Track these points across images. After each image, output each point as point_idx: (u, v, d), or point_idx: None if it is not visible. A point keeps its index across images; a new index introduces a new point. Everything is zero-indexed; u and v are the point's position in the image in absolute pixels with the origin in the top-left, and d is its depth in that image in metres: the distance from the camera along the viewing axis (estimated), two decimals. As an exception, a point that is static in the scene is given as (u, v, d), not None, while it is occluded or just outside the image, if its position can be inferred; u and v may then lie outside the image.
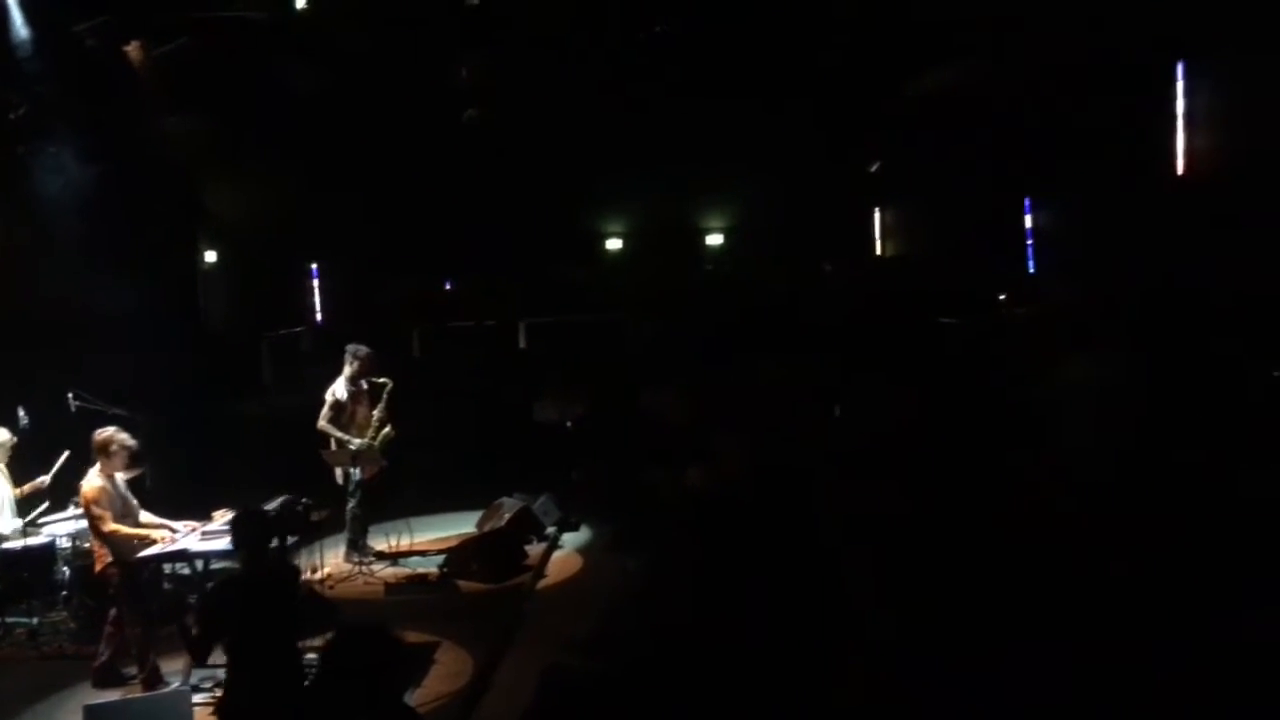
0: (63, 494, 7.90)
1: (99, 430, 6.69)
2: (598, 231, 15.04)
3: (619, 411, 11.24)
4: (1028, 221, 11.97)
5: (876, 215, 14.59)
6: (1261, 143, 9.19)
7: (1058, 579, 5.72)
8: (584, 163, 13.28)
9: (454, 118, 12.78)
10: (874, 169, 13.59)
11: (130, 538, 6.54)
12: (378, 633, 3.83)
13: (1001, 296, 10.35)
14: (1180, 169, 10.15)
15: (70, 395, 7.84)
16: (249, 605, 4.74)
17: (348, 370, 8.92)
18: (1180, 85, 10.14)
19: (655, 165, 13.37)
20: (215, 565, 6.89)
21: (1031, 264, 11.83)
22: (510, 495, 9.83)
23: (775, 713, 5.06)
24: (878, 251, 14.59)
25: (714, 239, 14.91)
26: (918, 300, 11.79)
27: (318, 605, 7.51)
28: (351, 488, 8.81)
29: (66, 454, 7.61)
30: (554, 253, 14.41)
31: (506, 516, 9.35)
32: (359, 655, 3.73)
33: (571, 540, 9.64)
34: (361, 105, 12.20)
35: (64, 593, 7.66)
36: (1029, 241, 11.93)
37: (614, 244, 15.07)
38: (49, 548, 7.65)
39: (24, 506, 7.86)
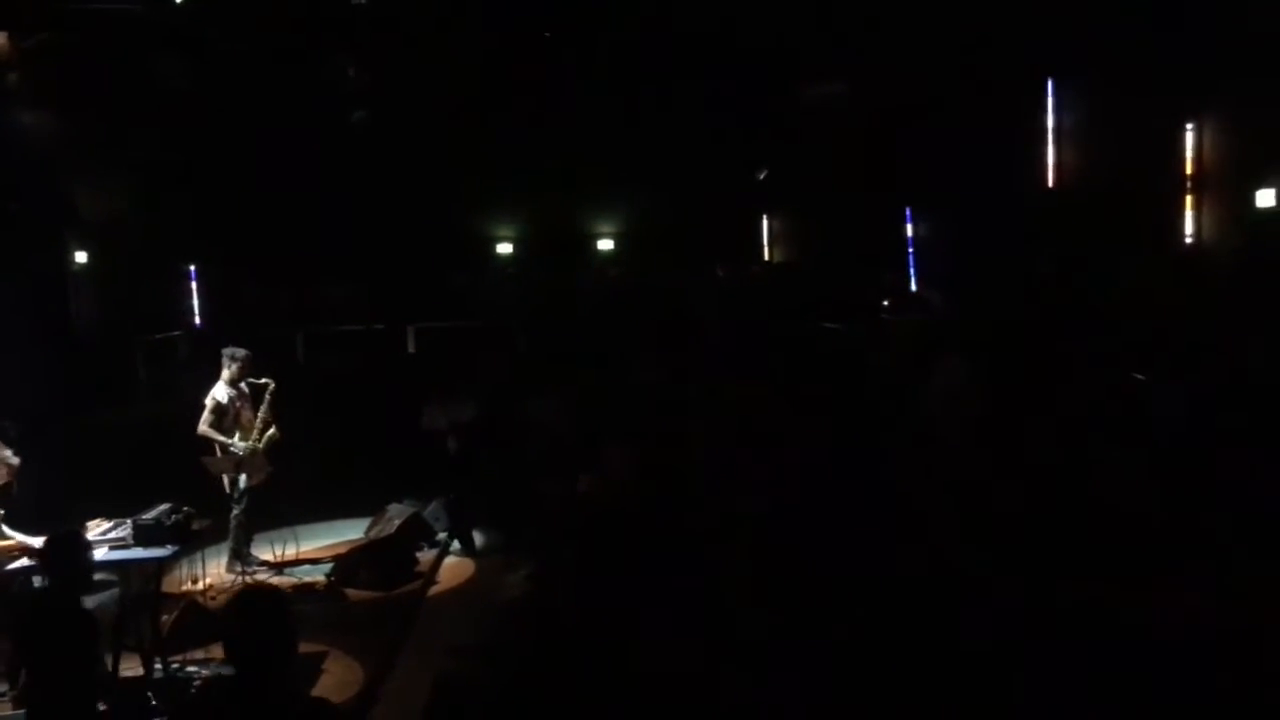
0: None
1: None
2: (488, 235, 14.96)
3: (507, 418, 11.20)
4: (909, 230, 12.39)
5: (764, 222, 14.88)
6: (1123, 156, 9.75)
7: (921, 577, 5.94)
8: (474, 167, 13.21)
9: (343, 118, 12.58)
10: (761, 176, 13.85)
11: (-8, 551, 6.26)
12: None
13: (884, 303, 10.69)
14: (1050, 181, 10.68)
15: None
16: (50, 631, 4.75)
17: (226, 373, 8.69)
18: (1050, 101, 10.67)
19: (546, 170, 13.39)
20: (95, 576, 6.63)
21: (912, 271, 12.26)
22: (400, 501, 9.71)
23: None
24: (765, 257, 14.88)
25: (605, 244, 14.99)
26: (802, 305, 12.09)
27: (200, 617, 7.31)
28: (237, 495, 8.58)
29: None
30: (444, 257, 14.29)
31: (396, 523, 9.24)
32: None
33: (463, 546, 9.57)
34: (247, 104, 11.90)
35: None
36: (910, 250, 12.36)
37: (504, 248, 15.01)
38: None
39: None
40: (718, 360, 10.97)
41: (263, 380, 8.73)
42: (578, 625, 6.19)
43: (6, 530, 6.49)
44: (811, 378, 9.96)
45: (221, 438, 8.55)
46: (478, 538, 9.66)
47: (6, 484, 6.58)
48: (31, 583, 6.66)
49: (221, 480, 8.60)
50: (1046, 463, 7.28)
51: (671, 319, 12.63)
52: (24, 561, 6.26)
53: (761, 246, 14.94)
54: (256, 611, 3.28)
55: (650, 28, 11.78)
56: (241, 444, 8.58)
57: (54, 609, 4.87)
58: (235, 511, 8.63)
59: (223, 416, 8.59)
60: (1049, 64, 10.49)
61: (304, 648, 6.85)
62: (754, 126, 13.13)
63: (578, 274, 14.75)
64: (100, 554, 6.29)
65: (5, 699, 6.19)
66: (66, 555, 4.91)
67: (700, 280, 13.26)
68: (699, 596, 6.27)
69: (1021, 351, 8.75)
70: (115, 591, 6.93)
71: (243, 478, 8.58)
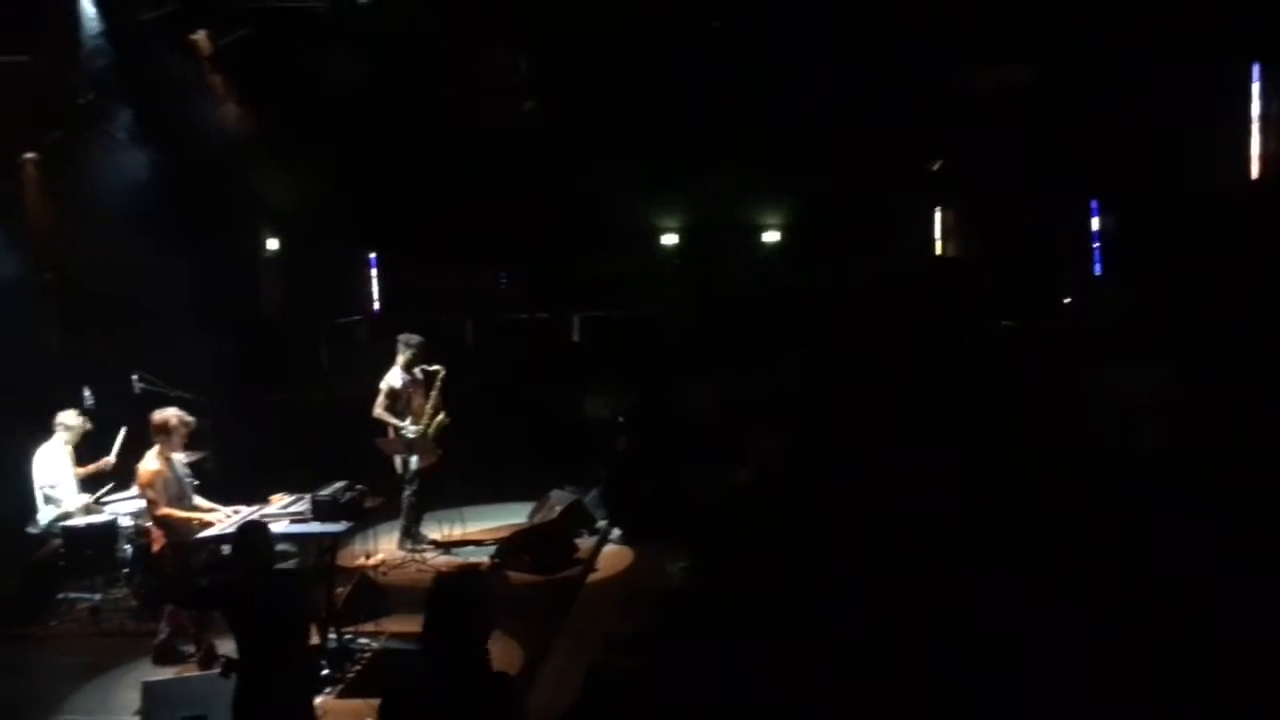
0: (127, 474, 8.07)
1: (157, 411, 6.81)
2: (654, 226, 14.99)
3: (664, 408, 11.22)
4: (1095, 224, 11.72)
5: (937, 215, 14.37)
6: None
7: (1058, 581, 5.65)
8: (641, 157, 13.24)
9: (513, 110, 12.82)
10: (935, 167, 13.38)
11: (184, 520, 6.65)
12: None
13: (1066, 300, 10.15)
14: (1255, 173, 9.89)
15: (135, 377, 7.99)
16: (246, 612, 4.83)
17: (401, 359, 8.99)
18: (1256, 87, 9.88)
19: (713, 160, 13.29)
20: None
21: (1098, 267, 11.58)
22: (562, 488, 9.85)
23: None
24: (937, 251, 14.38)
25: (771, 235, 14.79)
26: (976, 301, 11.62)
27: (371, 591, 7.60)
28: (408, 476, 8.88)
29: (125, 430, 7.76)
30: (610, 246, 14.39)
31: (558, 509, 9.38)
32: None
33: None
34: (421, 96, 12.28)
35: (125, 570, 7.81)
36: (1095, 245, 11.69)
37: (670, 239, 15.01)
38: (111, 526, 7.80)
39: (88, 485, 8.04)
40: (878, 357, 10.67)
41: (434, 367, 9.00)
42: (731, 620, 6.15)
43: (200, 501, 6.88)
44: (981, 377, 9.58)
45: (395, 420, 8.85)
46: (636, 527, 9.70)
47: (201, 458, 6.98)
48: (220, 551, 7.10)
49: (393, 461, 8.91)
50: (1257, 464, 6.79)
51: (831, 314, 12.37)
52: (213, 530, 6.63)
53: (933, 240, 14.45)
54: (466, 592, 3.35)
55: (822, 13, 11.52)
56: (413, 428, 8.87)
57: (263, 584, 4.95)
58: (406, 492, 8.93)
59: (396, 400, 8.89)
60: (1256, 47, 9.70)
61: (466, 627, 7.09)
62: (929, 114, 12.68)
63: (742, 265, 14.61)
64: (280, 527, 6.62)
65: (193, 660, 6.64)
66: (254, 543, 5.04)
67: (866, 274, 12.91)
68: (854, 592, 6.13)
69: (1221, 351, 8.14)
70: (294, 563, 7.29)
71: (413, 459, 8.87)
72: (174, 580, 6.43)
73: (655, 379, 12.19)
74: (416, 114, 12.40)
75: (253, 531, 5.15)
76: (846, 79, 12.20)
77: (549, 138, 12.69)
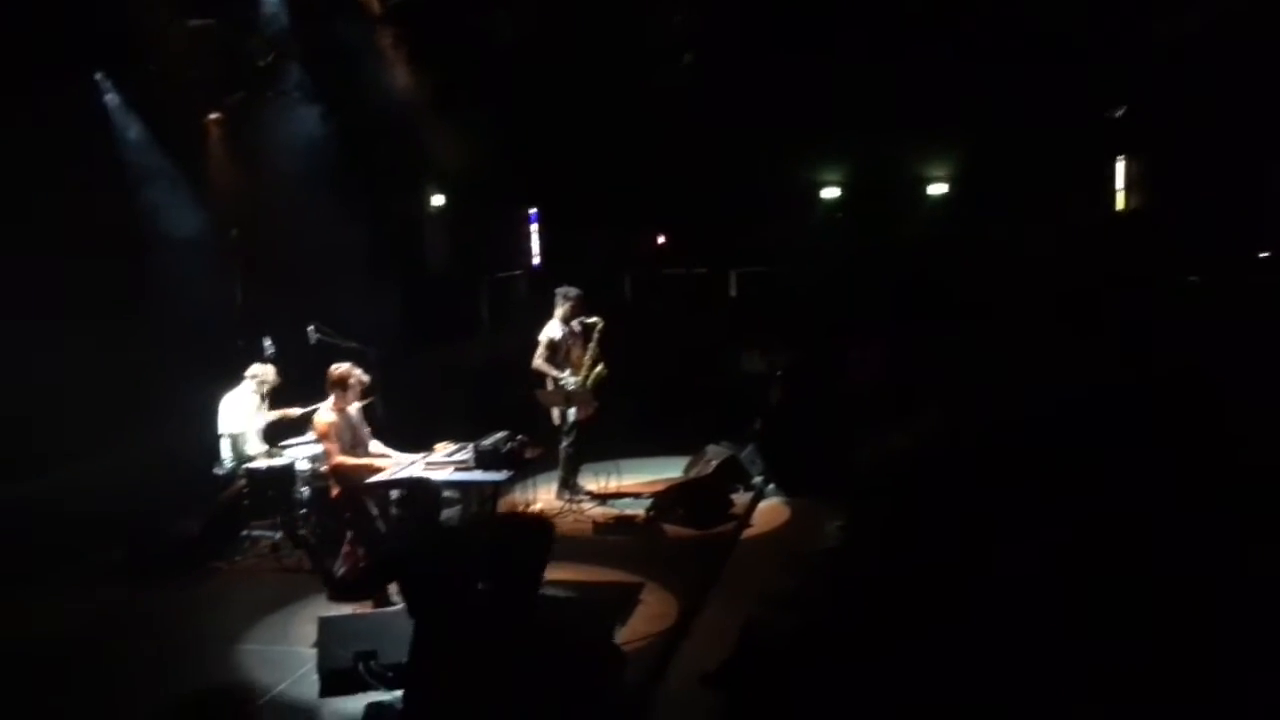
0: (304, 421, 8.49)
1: (335, 365, 7.08)
2: (814, 180, 14.67)
3: (823, 365, 11.02)
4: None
5: (1119, 165, 13.53)
6: None
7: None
8: (800, 109, 12.91)
9: (673, 64, 12.70)
10: (1118, 114, 12.57)
11: (357, 469, 6.92)
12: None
13: (1263, 255, 9.41)
14: None
15: (310, 328, 8.34)
16: (430, 568, 4.73)
17: (559, 311, 9.08)
18: None
19: (875, 110, 12.84)
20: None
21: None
22: (718, 443, 9.82)
23: (965, 687, 4.85)
24: (1119, 205, 13.56)
25: (937, 189, 14.25)
26: (1161, 257, 10.91)
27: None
28: (566, 427, 9.01)
29: (322, 406, 8.12)
30: (769, 201, 14.17)
31: (713, 464, 9.35)
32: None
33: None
34: (582, 53, 12.30)
35: (303, 511, 8.22)
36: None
37: (830, 193, 14.66)
38: (289, 469, 8.20)
39: (270, 432, 8.48)
40: (1049, 318, 10.16)
41: (592, 319, 9.07)
42: (886, 583, 6.00)
43: (375, 447, 7.16)
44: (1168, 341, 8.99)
45: (554, 372, 8.98)
46: (793, 483, 9.59)
47: (370, 403, 7.25)
48: (389, 496, 7.38)
49: (551, 413, 9.06)
50: None
51: (1000, 272, 11.85)
52: (382, 476, 6.89)
53: (1113, 193, 13.62)
54: (529, 534, 3.76)
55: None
56: (571, 379, 8.97)
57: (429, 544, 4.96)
58: (564, 443, 9.07)
59: (555, 352, 9.01)
60: None
61: (622, 578, 7.18)
62: (1110, 57, 11.88)
63: (906, 221, 14.15)
64: (445, 474, 6.84)
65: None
66: (424, 500, 5.13)
67: (1041, 230, 12.28)
68: (1011, 563, 5.89)
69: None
70: (457, 509, 7.51)
71: (571, 411, 8.98)
72: (349, 578, 6.48)
73: (813, 335, 11.99)
74: (577, 71, 12.44)
75: (420, 492, 5.24)
76: (1019, 16, 11.53)
77: (708, 91, 12.52)
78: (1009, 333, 10.37)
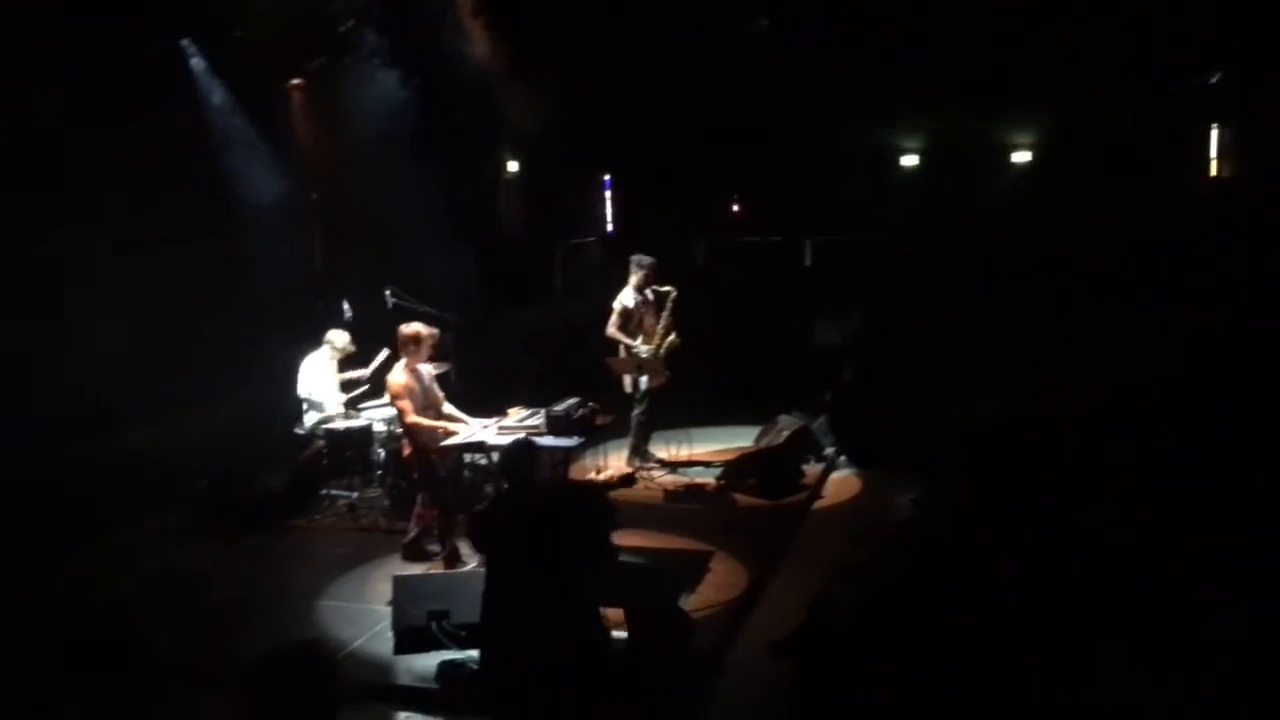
0: (379, 383, 8.65)
1: (405, 325, 7.18)
2: (892, 146, 14.38)
3: (901, 336, 10.86)
4: None
5: (1213, 132, 13.02)
6: None
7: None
8: (876, 73, 12.63)
9: (745, 29, 12.53)
10: (1213, 79, 12.08)
11: (430, 429, 7.02)
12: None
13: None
14: None
15: (387, 292, 8.47)
16: (511, 530, 4.63)
17: (633, 279, 9.08)
18: None
19: (956, 73, 12.50)
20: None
21: None
22: (790, 413, 9.77)
23: (1040, 674, 4.77)
24: (1212, 173, 13.06)
25: (1020, 156, 13.87)
26: (1260, 229, 10.48)
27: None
28: (639, 395, 9.04)
29: (386, 352, 8.26)
30: (845, 168, 13.94)
31: (785, 434, 9.31)
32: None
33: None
34: (656, 16, 12.19)
35: (379, 472, 8.41)
36: None
37: (909, 160, 14.37)
38: (367, 430, 8.39)
39: (344, 392, 8.66)
40: (1148, 290, 9.84)
41: (666, 288, 9.05)
42: (960, 559, 5.92)
43: (449, 410, 7.26)
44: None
45: (627, 340, 9.00)
46: (864, 456, 9.51)
47: (445, 370, 7.34)
48: (462, 459, 7.50)
49: (623, 380, 9.09)
50: None
51: (1087, 242, 11.50)
52: (455, 439, 6.98)
53: (1208, 160, 13.12)
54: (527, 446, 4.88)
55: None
56: (644, 347, 8.98)
57: (522, 512, 4.72)
58: (636, 411, 9.10)
59: (628, 320, 9.03)
60: None
61: (692, 546, 7.20)
62: (1206, 16, 11.40)
63: (989, 188, 13.82)
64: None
65: (438, 558, 7.07)
66: (521, 460, 4.97)
67: (1132, 198, 11.88)
68: (1094, 543, 5.76)
69: None
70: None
71: (643, 379, 9.00)
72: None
73: (889, 305, 11.82)
74: (653, 36, 12.34)
75: (516, 451, 5.05)
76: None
77: (783, 57, 12.33)
78: (1095, 304, 10.09)
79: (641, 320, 9.06)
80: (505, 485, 5.05)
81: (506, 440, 6.89)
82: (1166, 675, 4.55)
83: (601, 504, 4.97)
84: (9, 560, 6.35)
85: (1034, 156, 13.75)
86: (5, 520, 6.60)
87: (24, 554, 6.51)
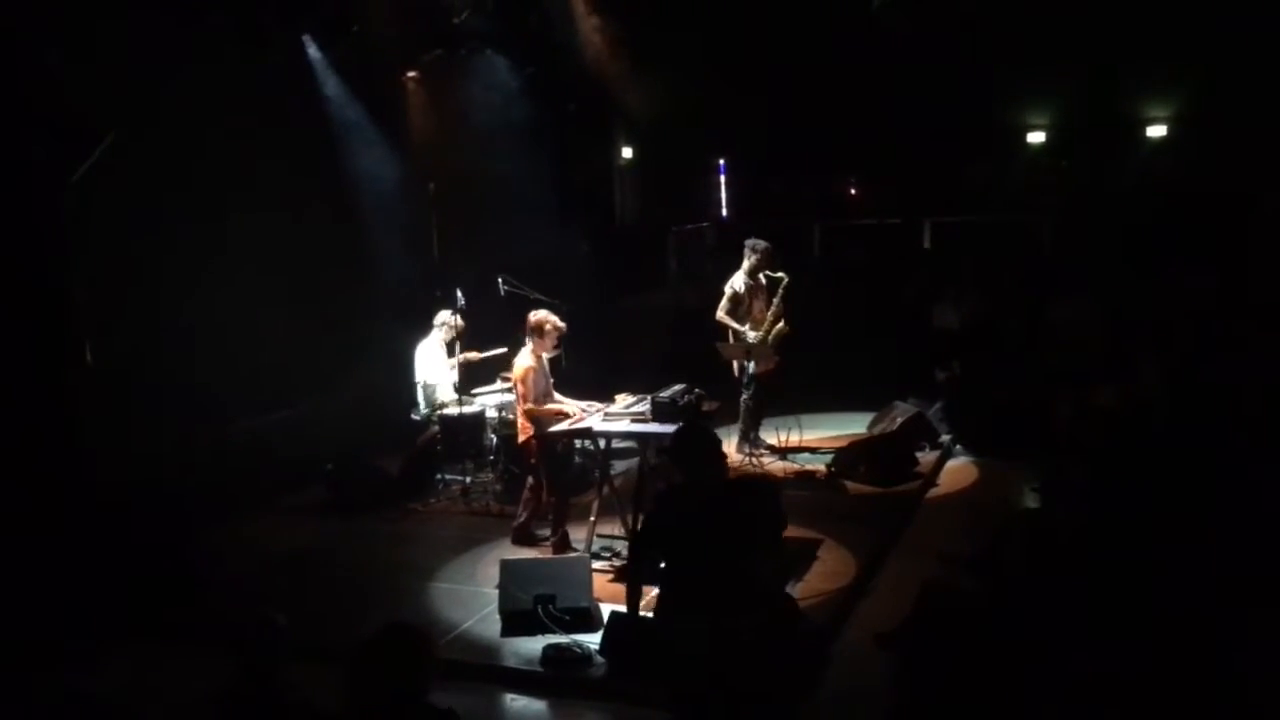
0: (491, 370, 8.78)
1: (534, 312, 7.24)
2: (1018, 124, 13.85)
3: (1026, 320, 10.49)
4: None
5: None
6: None
7: None
8: (1003, 45, 12.13)
9: (864, 6, 12.23)
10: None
11: (548, 414, 7.09)
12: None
13: None
14: None
15: (500, 280, 8.58)
16: (683, 519, 4.25)
17: (746, 264, 8.99)
18: None
19: (1086, 42, 11.92)
20: (618, 445, 7.35)
21: None
22: (905, 399, 9.55)
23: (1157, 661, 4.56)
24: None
25: (1155, 131, 13.19)
26: None
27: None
28: (746, 380, 8.96)
29: (503, 350, 8.38)
30: (967, 147, 13.51)
31: (899, 421, 9.12)
32: None
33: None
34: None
35: (491, 457, 8.55)
36: None
37: (1036, 137, 13.83)
38: (480, 416, 8.53)
39: (459, 376, 8.82)
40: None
41: (778, 274, 8.93)
42: (1083, 550, 5.70)
43: (558, 397, 7.33)
44: None
45: (736, 325, 8.92)
46: (982, 444, 9.24)
47: (556, 356, 7.40)
48: (573, 445, 7.56)
49: (732, 365, 9.02)
50: None
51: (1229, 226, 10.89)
52: (566, 424, 7.04)
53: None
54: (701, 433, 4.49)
55: None
56: (753, 333, 8.89)
57: (695, 499, 4.34)
58: (744, 396, 9.02)
59: (738, 305, 8.95)
60: None
61: (800, 534, 7.11)
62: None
63: (1121, 166, 13.19)
64: (623, 425, 6.93)
65: (547, 544, 7.15)
66: (697, 447, 4.40)
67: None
68: (1222, 529, 5.49)
69: None
70: (636, 460, 7.62)
71: (751, 364, 8.91)
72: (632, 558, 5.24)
73: (1011, 288, 11.43)
74: (767, 17, 12.18)
75: (689, 433, 4.53)
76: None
77: (900, 31, 11.99)
78: (1234, 293, 9.57)
79: (751, 306, 8.97)
80: (677, 475, 4.51)
81: (613, 427, 6.97)
82: None
83: (776, 496, 4.95)
84: (144, 541, 6.68)
85: (1169, 131, 13.05)
86: (143, 504, 6.95)
87: (159, 534, 6.83)
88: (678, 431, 4.62)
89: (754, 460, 8.91)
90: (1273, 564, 5.15)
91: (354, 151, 9.85)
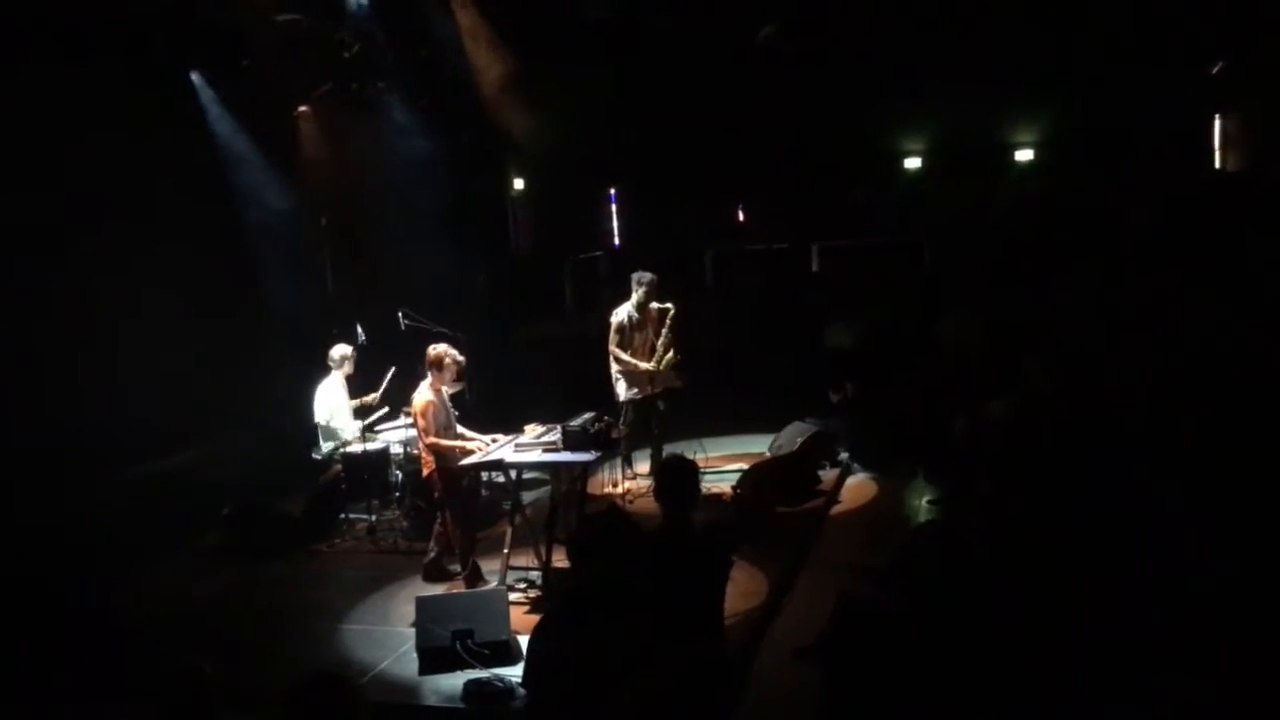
0: (395, 405, 8.68)
1: (433, 346, 7.21)
2: (894, 149, 14.39)
3: (912, 338, 10.86)
4: None
5: (1216, 124, 12.99)
6: None
7: None
8: (878, 74, 12.63)
9: (748, 37, 12.56)
10: (1215, 70, 12.07)
11: (450, 449, 7.05)
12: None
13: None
14: None
15: (400, 314, 8.51)
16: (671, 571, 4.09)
17: (634, 297, 9.04)
18: None
19: (957, 74, 12.50)
20: (527, 475, 7.34)
21: None
22: (803, 419, 9.77)
23: (1063, 665, 4.78)
24: (1216, 164, 13.04)
25: (1023, 154, 13.86)
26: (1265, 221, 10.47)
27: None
28: (625, 408, 8.93)
29: (393, 371, 8.30)
30: (848, 172, 13.95)
31: (799, 440, 9.32)
32: None
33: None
34: (657, 31, 12.25)
35: (397, 494, 8.44)
36: None
37: (912, 162, 14.38)
38: (384, 453, 8.43)
39: (357, 416, 8.70)
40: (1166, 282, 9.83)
41: (665, 305, 9.01)
42: (988, 555, 5.92)
43: (462, 430, 7.29)
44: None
45: (625, 356, 8.94)
46: (879, 460, 9.52)
47: (459, 391, 7.38)
48: (479, 477, 7.53)
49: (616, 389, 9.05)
50: None
51: (1100, 237, 11.49)
52: (474, 458, 7.01)
53: (1211, 152, 13.10)
54: (685, 471, 4.32)
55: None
56: (645, 365, 8.94)
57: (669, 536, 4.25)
58: (622, 422, 8.98)
59: (624, 336, 8.98)
60: None
61: (711, 555, 7.19)
62: (1207, 9, 11.38)
63: (993, 187, 13.81)
64: (535, 456, 6.94)
65: (459, 578, 7.10)
66: (680, 480, 4.30)
67: (1138, 193, 11.87)
68: (1124, 531, 5.76)
69: None
70: (548, 490, 7.62)
71: (636, 391, 8.93)
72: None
73: (899, 308, 11.83)
74: (653, 49, 12.40)
75: (675, 466, 4.40)
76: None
77: (783, 62, 12.36)
78: (1112, 299, 10.08)
79: (634, 337, 8.99)
80: (662, 511, 4.30)
81: (523, 458, 6.98)
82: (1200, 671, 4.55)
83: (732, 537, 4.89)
84: (41, 585, 6.42)
85: (1036, 155, 13.75)
86: (37, 545, 6.68)
87: (58, 582, 6.58)
88: (670, 465, 4.49)
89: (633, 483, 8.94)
90: (1166, 557, 5.42)
91: (246, 187, 9.67)
